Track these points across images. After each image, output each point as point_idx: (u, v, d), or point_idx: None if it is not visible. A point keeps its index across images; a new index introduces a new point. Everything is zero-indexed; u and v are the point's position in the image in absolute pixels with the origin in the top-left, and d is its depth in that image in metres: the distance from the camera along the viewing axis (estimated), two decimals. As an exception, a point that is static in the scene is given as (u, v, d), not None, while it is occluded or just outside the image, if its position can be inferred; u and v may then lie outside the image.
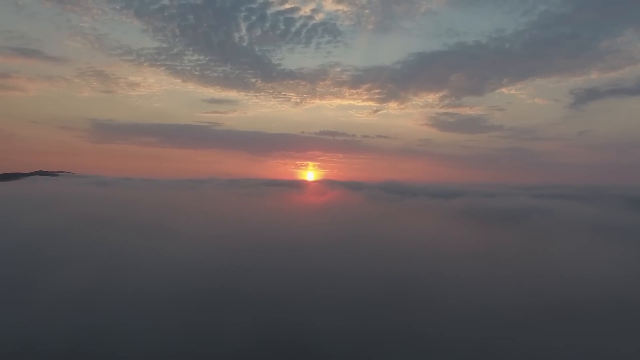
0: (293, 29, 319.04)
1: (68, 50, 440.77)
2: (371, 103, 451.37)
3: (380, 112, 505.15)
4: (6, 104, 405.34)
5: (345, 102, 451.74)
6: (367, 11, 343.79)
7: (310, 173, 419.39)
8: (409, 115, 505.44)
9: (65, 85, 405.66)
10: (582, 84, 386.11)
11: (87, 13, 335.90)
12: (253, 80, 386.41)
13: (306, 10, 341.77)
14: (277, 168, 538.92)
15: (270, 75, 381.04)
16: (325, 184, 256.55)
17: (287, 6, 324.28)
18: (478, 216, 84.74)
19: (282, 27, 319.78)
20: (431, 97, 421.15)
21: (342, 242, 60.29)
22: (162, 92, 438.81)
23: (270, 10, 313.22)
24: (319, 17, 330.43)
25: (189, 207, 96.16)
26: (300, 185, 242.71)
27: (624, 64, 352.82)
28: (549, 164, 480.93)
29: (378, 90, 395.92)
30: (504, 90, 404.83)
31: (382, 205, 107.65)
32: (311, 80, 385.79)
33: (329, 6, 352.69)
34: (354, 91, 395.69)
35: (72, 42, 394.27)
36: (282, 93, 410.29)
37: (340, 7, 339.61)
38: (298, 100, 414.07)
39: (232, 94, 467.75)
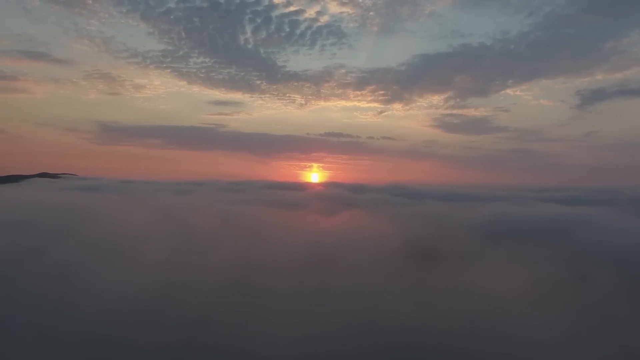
0: (298, 31, 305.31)
1: (75, 53, 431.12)
2: (376, 104, 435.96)
3: (385, 113, 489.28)
4: (13, 106, 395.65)
5: (349, 104, 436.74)
6: (371, 13, 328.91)
7: (314, 174, 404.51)
8: (414, 117, 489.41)
9: (71, 88, 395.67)
10: (587, 85, 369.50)
11: (94, 16, 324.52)
12: (258, 82, 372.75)
13: (311, 12, 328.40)
14: (282, 169, 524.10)
15: (275, 77, 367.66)
16: (330, 187, 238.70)
17: (292, 9, 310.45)
18: (509, 228, 67.17)
19: (287, 30, 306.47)
20: (436, 99, 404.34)
21: (356, 275, 42.61)
22: (167, 94, 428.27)
23: (275, 13, 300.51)
24: (324, 19, 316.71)
25: (169, 214, 78.98)
26: (303, 187, 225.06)
27: (629, 65, 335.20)
28: (555, 165, 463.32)
29: (382, 92, 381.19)
30: (509, 91, 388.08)
31: (392, 213, 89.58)
32: (316, 82, 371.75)
33: (334, 8, 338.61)
34: (358, 93, 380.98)
35: (79, 45, 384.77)
36: (287, 95, 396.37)
37: (345, 9, 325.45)
38: (303, 102, 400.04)
39: (237, 96, 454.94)
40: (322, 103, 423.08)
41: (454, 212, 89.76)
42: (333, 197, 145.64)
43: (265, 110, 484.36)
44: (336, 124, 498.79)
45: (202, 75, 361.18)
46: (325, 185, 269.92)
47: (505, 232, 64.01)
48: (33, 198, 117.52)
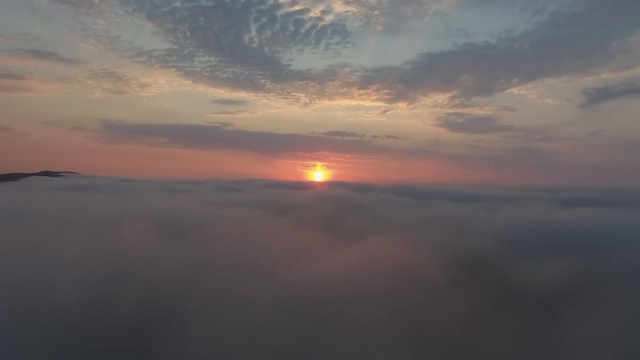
0: (303, 30, 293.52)
1: (81, 52, 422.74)
2: (380, 103, 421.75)
3: (390, 112, 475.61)
4: (20, 105, 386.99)
5: (354, 103, 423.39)
6: (376, 12, 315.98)
7: (318, 173, 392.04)
8: (418, 116, 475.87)
9: (77, 87, 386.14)
10: (593, 84, 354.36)
11: (100, 16, 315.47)
12: (262, 81, 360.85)
13: (316, 11, 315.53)
14: (286, 168, 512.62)
15: (279, 76, 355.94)
16: (334, 186, 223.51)
17: (297, 8, 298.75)
18: (552, 239, 51.91)
19: (292, 29, 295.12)
20: (440, 98, 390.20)
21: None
22: (172, 93, 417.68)
23: (280, 12, 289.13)
24: (329, 18, 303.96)
25: (146, 219, 64.17)
26: (306, 187, 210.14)
27: (635, 64, 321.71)
28: (561, 164, 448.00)
29: (387, 91, 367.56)
30: (513, 90, 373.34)
31: (406, 218, 74.31)
32: (320, 81, 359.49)
33: (339, 7, 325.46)
34: (363, 92, 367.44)
35: (85, 44, 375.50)
36: (291, 94, 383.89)
37: (349, 8, 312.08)
38: (307, 101, 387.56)
39: (242, 95, 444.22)
40: (326, 102, 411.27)
41: (475, 216, 74.26)
42: (336, 198, 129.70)
43: (269, 109, 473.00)
44: (340, 122, 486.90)
45: (207, 74, 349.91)
46: (330, 184, 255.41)
47: (564, 245, 48.46)
48: (10, 199, 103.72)
